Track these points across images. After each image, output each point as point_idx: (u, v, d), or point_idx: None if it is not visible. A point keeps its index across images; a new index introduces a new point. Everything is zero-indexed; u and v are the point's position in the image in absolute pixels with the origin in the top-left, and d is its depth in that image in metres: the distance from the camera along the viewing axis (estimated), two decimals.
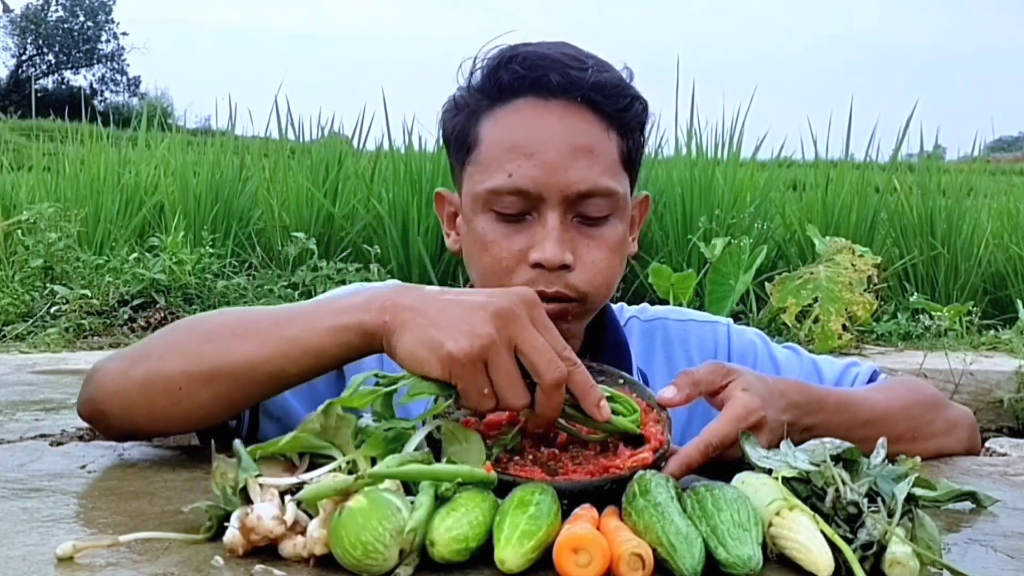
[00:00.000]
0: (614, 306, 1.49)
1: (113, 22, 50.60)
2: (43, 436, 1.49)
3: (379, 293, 1.07)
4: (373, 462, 0.93)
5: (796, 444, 1.02)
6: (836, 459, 0.95)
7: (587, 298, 1.28)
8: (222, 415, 1.17)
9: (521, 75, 1.28)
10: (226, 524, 0.88)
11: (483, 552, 0.85)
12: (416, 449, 0.95)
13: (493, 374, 0.97)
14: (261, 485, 0.90)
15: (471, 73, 1.33)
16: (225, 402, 1.14)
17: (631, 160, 1.32)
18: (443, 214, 1.42)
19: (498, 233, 1.28)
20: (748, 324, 3.87)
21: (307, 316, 1.11)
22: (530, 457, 1.05)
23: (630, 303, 1.60)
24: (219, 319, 1.21)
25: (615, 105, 1.29)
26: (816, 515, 0.88)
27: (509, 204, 1.27)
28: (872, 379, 1.51)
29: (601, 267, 1.28)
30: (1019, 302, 4.83)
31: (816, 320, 4.04)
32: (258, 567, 0.83)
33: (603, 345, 1.41)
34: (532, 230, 1.27)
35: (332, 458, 0.95)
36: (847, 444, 0.97)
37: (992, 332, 4.39)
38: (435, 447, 0.98)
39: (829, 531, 0.87)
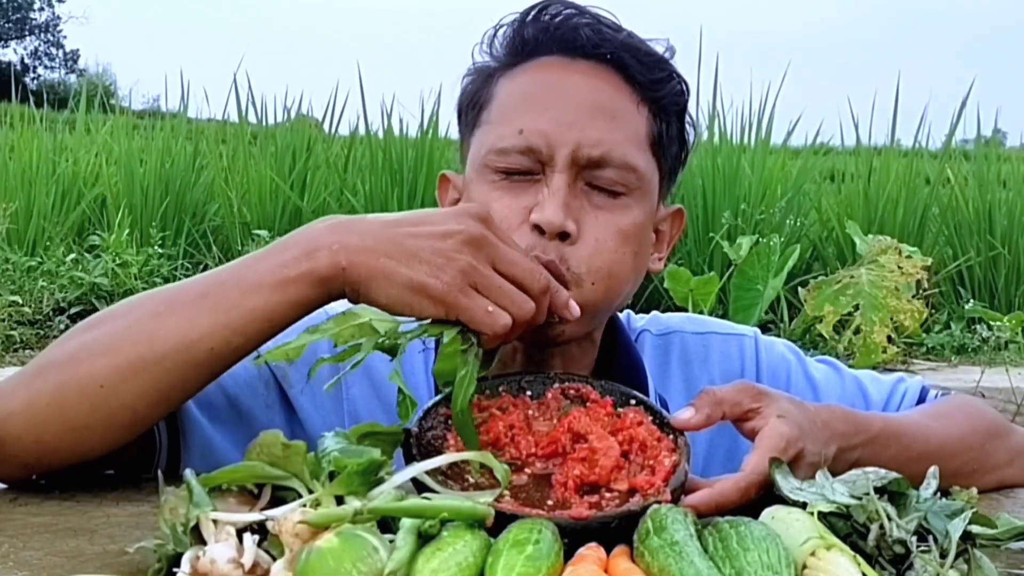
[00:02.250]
0: (620, 315, 1.47)
1: None
2: None
3: (315, 236, 1.09)
4: (340, 500, 0.93)
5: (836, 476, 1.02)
6: (881, 491, 0.95)
7: (581, 283, 1.25)
8: (153, 414, 1.17)
9: (548, 29, 1.31)
10: (176, 569, 0.87)
11: None
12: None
13: (488, 294, 1.07)
14: (215, 522, 0.89)
15: (494, 32, 1.35)
16: (158, 394, 1.13)
17: (662, 146, 1.33)
18: (445, 199, 1.41)
19: (501, 192, 1.28)
20: (779, 335, 3.87)
21: (237, 278, 1.11)
22: (527, 471, 1.07)
23: (640, 312, 1.58)
24: (127, 307, 1.19)
25: (649, 75, 1.31)
26: (857, 555, 0.88)
27: (516, 161, 1.27)
28: (921, 398, 1.50)
29: (606, 249, 1.26)
30: None
31: (857, 331, 4.04)
32: None
33: (614, 368, 1.39)
34: (537, 190, 1.27)
35: (293, 489, 0.95)
36: (893, 474, 0.97)
37: None
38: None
39: (872, 574, 0.86)
